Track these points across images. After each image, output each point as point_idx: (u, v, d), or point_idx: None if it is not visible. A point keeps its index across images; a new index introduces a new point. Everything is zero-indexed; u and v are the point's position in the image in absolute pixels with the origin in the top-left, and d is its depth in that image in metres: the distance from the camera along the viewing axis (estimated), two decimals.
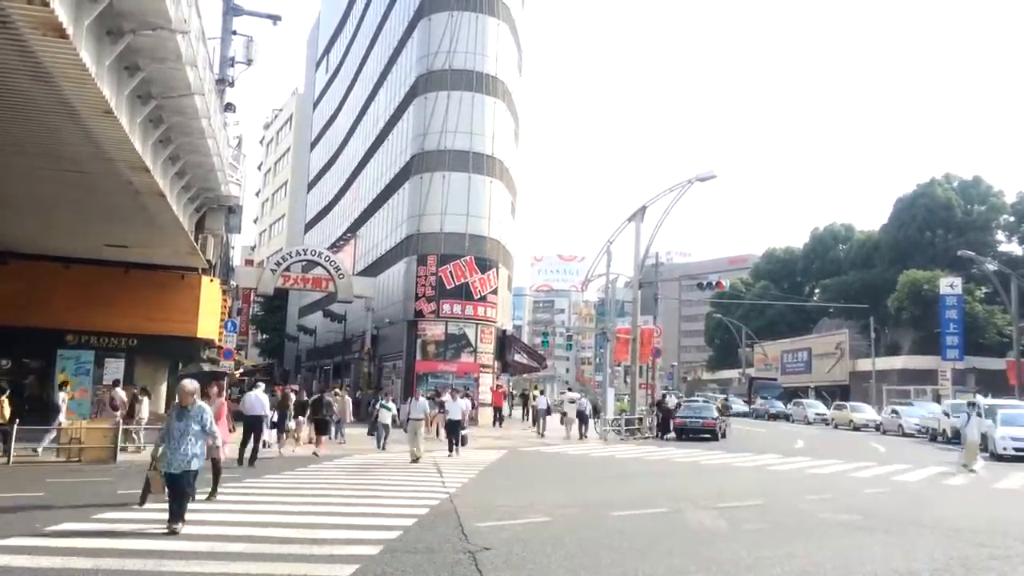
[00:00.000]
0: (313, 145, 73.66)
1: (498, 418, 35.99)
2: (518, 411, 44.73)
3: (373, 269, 45.20)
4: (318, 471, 16.66)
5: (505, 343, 41.07)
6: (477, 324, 37.27)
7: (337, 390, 27.10)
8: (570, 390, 40.16)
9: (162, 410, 23.29)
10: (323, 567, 7.43)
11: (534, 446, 25.70)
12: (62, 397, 19.85)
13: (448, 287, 36.65)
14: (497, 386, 38.73)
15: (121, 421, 17.91)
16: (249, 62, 23.66)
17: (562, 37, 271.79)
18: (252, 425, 17.10)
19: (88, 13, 9.41)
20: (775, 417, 54.24)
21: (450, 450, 20.85)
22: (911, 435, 35.17)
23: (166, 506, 9.03)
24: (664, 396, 38.27)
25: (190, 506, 9.26)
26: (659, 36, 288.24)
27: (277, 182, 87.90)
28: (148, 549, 7.97)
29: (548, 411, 32.78)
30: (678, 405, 35.58)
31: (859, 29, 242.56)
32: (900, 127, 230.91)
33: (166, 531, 8.75)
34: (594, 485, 15.74)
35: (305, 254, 39.54)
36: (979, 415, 27.21)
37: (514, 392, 51.64)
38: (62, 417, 18.08)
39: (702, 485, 15.53)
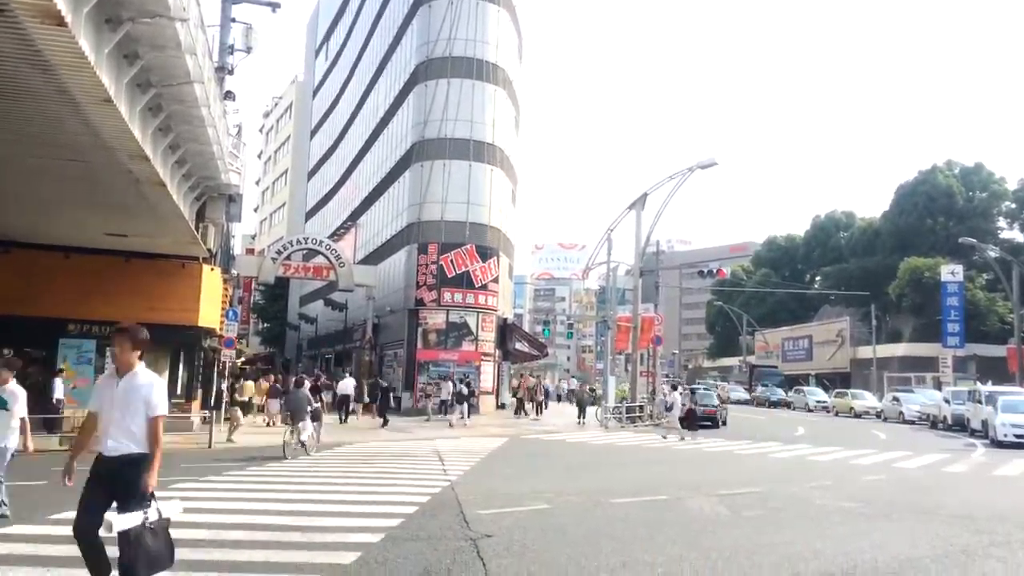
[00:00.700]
0: (313, 133, 73.49)
1: (498, 406, 36.03)
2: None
3: (374, 257, 45.18)
4: (319, 459, 16.73)
5: (506, 331, 41.10)
6: (478, 312, 37.28)
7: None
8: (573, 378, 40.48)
9: None
10: (324, 554, 7.46)
11: (535, 433, 25.77)
12: (58, 384, 19.97)
13: (449, 275, 36.64)
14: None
15: None
16: (249, 50, 23.51)
17: (563, 24, 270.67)
18: (344, 400, 28.77)
19: (86, 1, 9.36)
20: (775, 405, 54.35)
21: None
22: (912, 422, 35.28)
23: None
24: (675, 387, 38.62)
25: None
26: (661, 22, 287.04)
27: (277, 170, 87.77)
28: None
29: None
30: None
31: (860, 16, 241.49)
32: (901, 114, 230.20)
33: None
34: (595, 472, 15.79)
35: (306, 242, 39.51)
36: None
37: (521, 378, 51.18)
38: (60, 394, 18.34)
39: (703, 472, 15.59)
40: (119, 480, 5.40)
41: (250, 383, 28.92)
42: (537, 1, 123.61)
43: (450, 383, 31.36)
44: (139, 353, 5.53)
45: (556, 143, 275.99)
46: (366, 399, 31.00)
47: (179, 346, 23.67)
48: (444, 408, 30.73)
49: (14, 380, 9.28)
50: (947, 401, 32.14)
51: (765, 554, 7.87)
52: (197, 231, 21.01)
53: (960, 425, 29.49)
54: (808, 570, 7.23)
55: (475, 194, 38.01)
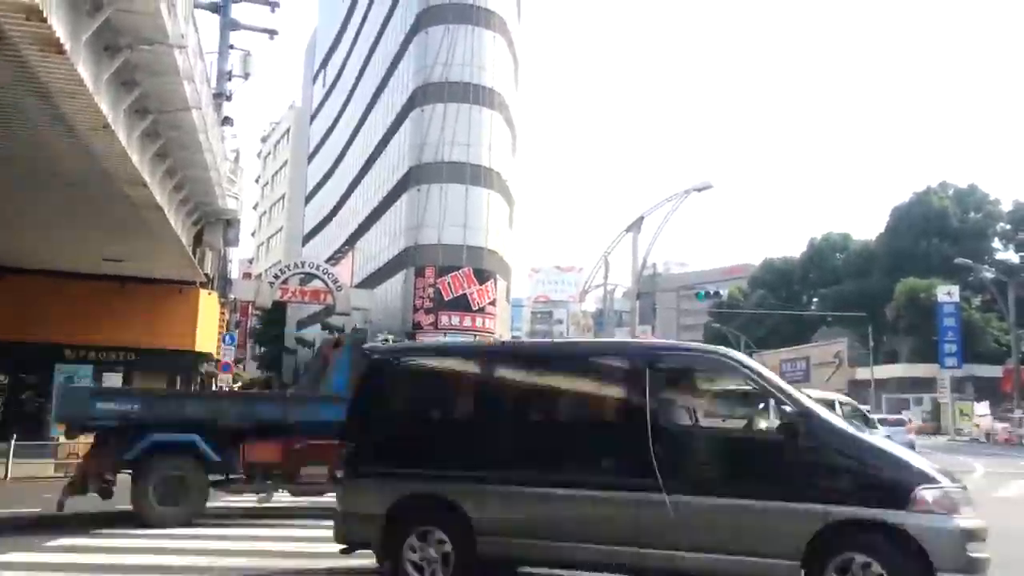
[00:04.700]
0: (311, 158, 73.83)
1: None
2: None
3: (371, 281, 45.21)
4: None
5: None
6: (475, 335, 37.24)
7: None
8: None
9: None
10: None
11: None
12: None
13: (446, 298, 36.68)
14: None
15: None
16: (246, 76, 23.73)
17: (558, 48, 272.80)
18: None
19: (85, 28, 9.44)
20: None
21: None
22: None
23: None
24: None
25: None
26: (655, 47, 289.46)
27: (275, 195, 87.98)
28: (148, 564, 7.93)
29: None
30: None
31: (855, 38, 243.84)
32: (896, 136, 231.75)
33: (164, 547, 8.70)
34: None
35: (303, 267, 39.52)
36: None
37: None
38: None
39: None
40: None
41: None
42: (533, 26, 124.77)
43: None
44: None
45: (553, 166, 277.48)
46: None
47: (175, 371, 23.60)
48: None
49: None
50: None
51: None
52: (194, 256, 21.05)
53: None
54: None
55: (472, 217, 38.16)
